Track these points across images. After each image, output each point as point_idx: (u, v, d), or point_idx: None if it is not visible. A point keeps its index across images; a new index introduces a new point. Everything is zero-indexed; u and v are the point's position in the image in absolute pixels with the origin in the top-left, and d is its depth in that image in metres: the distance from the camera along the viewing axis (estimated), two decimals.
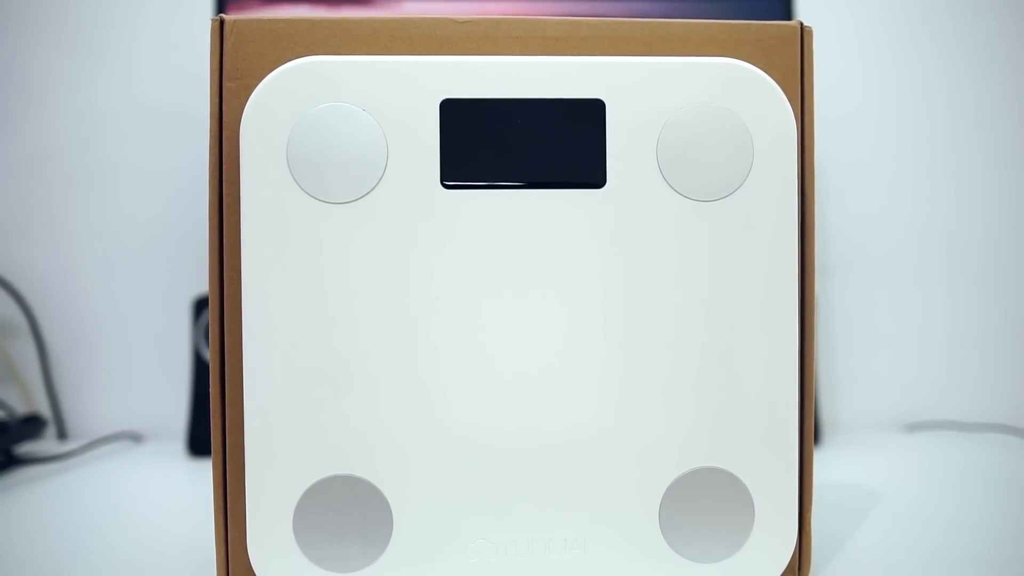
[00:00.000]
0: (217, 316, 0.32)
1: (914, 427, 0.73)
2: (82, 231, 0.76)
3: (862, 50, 0.77)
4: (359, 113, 0.31)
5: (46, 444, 0.70)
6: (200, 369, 0.68)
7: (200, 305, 0.69)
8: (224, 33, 0.32)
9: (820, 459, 0.59)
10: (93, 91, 0.76)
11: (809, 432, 0.33)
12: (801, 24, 0.34)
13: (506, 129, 0.31)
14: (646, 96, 0.31)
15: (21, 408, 0.74)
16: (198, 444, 0.66)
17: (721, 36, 0.33)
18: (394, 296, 0.31)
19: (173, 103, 0.75)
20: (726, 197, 0.32)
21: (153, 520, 0.47)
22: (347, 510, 0.31)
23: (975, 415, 0.73)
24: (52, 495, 0.53)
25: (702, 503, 0.32)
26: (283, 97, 0.31)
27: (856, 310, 0.77)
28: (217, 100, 0.32)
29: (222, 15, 0.33)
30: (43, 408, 0.75)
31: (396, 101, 0.31)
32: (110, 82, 0.76)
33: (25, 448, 0.66)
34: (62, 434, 0.75)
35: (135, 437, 0.73)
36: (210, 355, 0.33)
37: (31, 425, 0.64)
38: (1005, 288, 0.77)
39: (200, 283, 0.71)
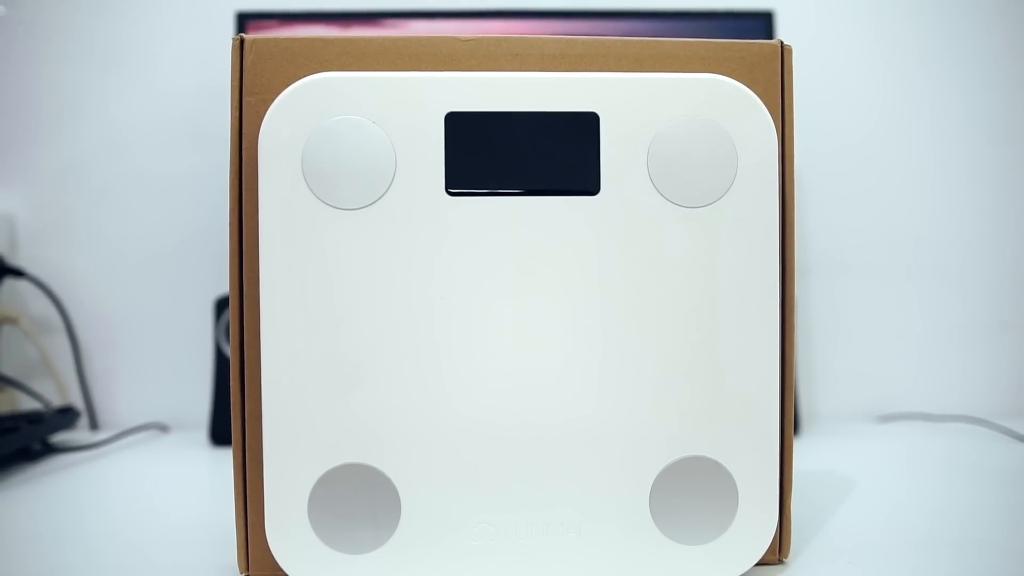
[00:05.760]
0: (237, 315, 0.32)
1: (887, 418, 0.73)
2: (112, 236, 0.76)
3: (838, 67, 0.77)
4: (369, 125, 0.31)
5: (79, 434, 0.70)
6: (221, 364, 0.68)
7: (221, 305, 0.69)
8: (244, 51, 0.32)
9: (799, 448, 0.59)
10: (123, 106, 0.76)
11: (789, 423, 0.33)
12: (781, 43, 0.34)
13: (506, 140, 0.31)
14: (637, 109, 0.31)
15: (56, 400, 0.74)
16: (220, 434, 0.66)
17: (707, 54, 0.33)
18: (401, 296, 0.31)
19: (196, 117, 0.75)
20: (712, 204, 0.32)
21: (178, 504, 0.47)
22: (358, 496, 0.31)
23: (944, 407, 0.73)
24: (85, 481, 0.53)
25: (689, 489, 0.32)
26: (298, 111, 0.31)
27: (833, 309, 0.77)
28: (237, 113, 0.32)
29: (242, 35, 0.33)
30: (76, 400, 0.75)
31: (404, 114, 0.31)
32: (138, 98, 0.76)
33: (60, 437, 0.66)
34: (94, 425, 0.74)
35: (162, 427, 0.73)
36: (230, 351, 0.32)
37: (65, 416, 0.64)
38: (972, 288, 0.77)
39: (221, 284, 0.71)
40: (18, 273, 0.73)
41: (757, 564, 0.32)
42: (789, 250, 0.33)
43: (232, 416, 0.32)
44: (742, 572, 0.32)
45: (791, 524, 0.34)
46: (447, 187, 0.31)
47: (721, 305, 0.32)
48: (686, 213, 0.31)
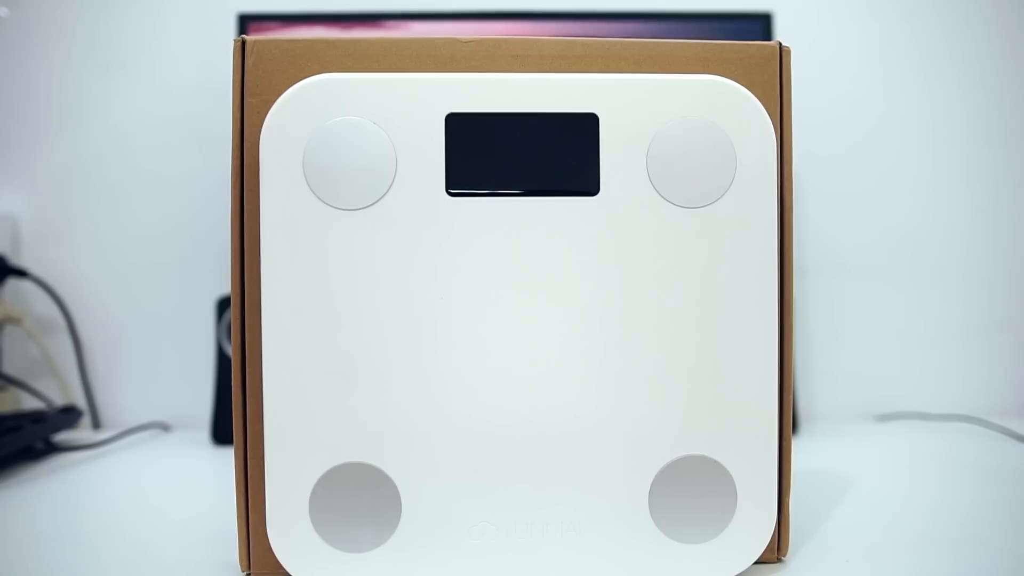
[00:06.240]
0: (239, 315, 0.32)
1: (884, 417, 0.73)
2: (115, 236, 0.76)
3: (836, 69, 0.77)
4: (370, 126, 0.31)
5: (82, 433, 0.70)
6: (223, 364, 0.68)
7: (223, 304, 0.69)
8: (245, 53, 0.32)
9: (797, 447, 0.59)
10: (125, 108, 0.76)
11: (788, 423, 0.33)
12: (780, 44, 0.34)
13: (506, 141, 0.31)
14: (637, 110, 0.31)
15: (59, 400, 0.74)
16: (222, 433, 0.66)
17: (706, 55, 0.33)
18: (402, 296, 0.31)
19: (198, 118, 0.75)
20: (711, 204, 0.31)
21: (180, 503, 0.47)
22: (359, 495, 0.31)
23: (940, 406, 0.73)
24: (87, 480, 0.53)
25: (689, 488, 0.32)
26: (300, 111, 0.31)
27: (830, 309, 0.77)
28: (239, 114, 0.32)
29: (244, 36, 0.33)
30: (79, 400, 0.75)
31: (404, 115, 0.31)
32: (140, 99, 0.76)
33: (63, 437, 0.66)
34: (96, 424, 0.74)
35: (164, 427, 0.73)
36: (232, 351, 0.32)
37: (68, 415, 0.64)
38: (969, 288, 0.77)
39: (223, 284, 0.71)
40: (21, 273, 0.73)
41: (756, 562, 0.32)
42: (787, 250, 0.33)
43: (234, 415, 0.32)
44: (741, 570, 0.32)
45: (789, 522, 0.34)
46: (447, 188, 0.31)
47: (720, 305, 0.32)
48: (685, 213, 0.31)
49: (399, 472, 0.31)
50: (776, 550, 0.34)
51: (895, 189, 0.77)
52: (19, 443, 0.55)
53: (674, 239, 0.31)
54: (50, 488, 0.51)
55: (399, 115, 0.31)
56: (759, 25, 0.70)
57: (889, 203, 0.77)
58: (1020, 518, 0.41)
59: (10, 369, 0.73)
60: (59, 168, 0.76)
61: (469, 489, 0.31)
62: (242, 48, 0.32)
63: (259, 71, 0.32)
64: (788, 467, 0.33)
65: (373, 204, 0.31)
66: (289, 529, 0.31)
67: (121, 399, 0.76)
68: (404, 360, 0.31)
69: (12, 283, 0.74)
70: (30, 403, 0.73)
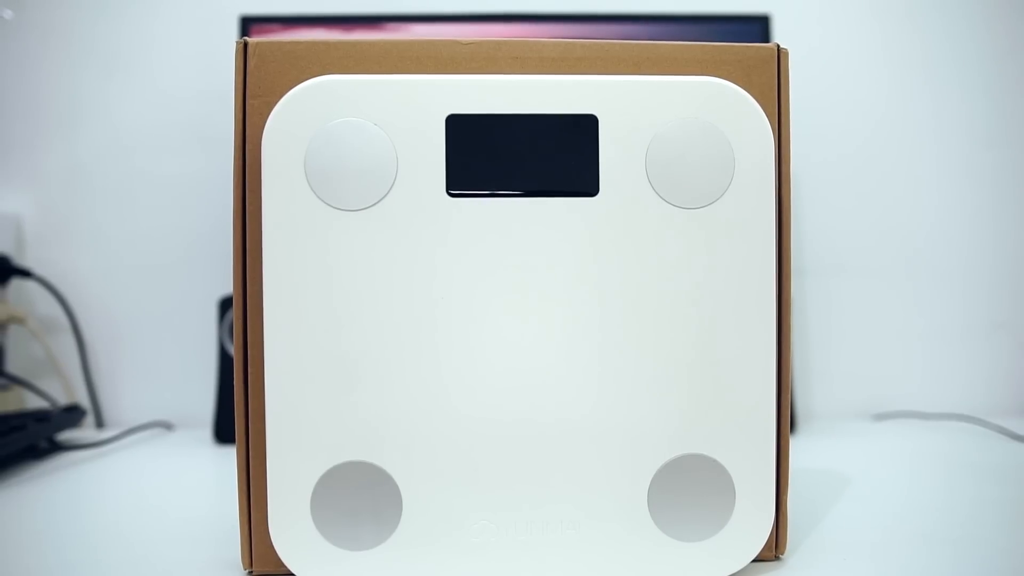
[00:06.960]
0: (240, 315, 0.32)
1: (881, 416, 0.73)
2: (118, 237, 0.76)
3: (834, 70, 0.77)
4: (371, 128, 0.31)
5: (85, 432, 0.70)
6: (225, 363, 0.68)
7: (225, 304, 0.69)
8: (248, 55, 0.32)
9: (795, 446, 0.59)
10: (127, 109, 0.76)
11: (786, 422, 0.33)
12: (778, 46, 0.34)
13: (506, 142, 0.31)
14: (636, 112, 0.31)
15: (62, 399, 0.74)
16: (224, 432, 0.66)
17: (705, 57, 0.33)
18: (402, 296, 0.31)
19: (200, 120, 0.75)
20: (709, 205, 0.32)
21: (182, 502, 0.47)
22: (360, 493, 0.31)
23: (937, 405, 0.73)
24: (90, 478, 0.53)
25: (687, 487, 0.32)
26: (301, 113, 0.31)
27: (828, 310, 0.77)
28: (241, 116, 0.32)
29: (246, 38, 0.33)
30: (82, 399, 0.75)
31: (405, 116, 0.31)
32: (143, 101, 0.76)
33: (66, 435, 0.66)
34: (100, 423, 0.74)
35: (166, 426, 0.73)
36: (234, 351, 0.32)
37: (71, 414, 0.64)
38: (965, 289, 0.77)
39: (225, 284, 0.71)
40: (25, 273, 0.73)
41: (754, 560, 0.33)
42: (785, 251, 0.33)
43: (236, 414, 0.32)
44: (739, 568, 0.32)
45: (787, 521, 0.34)
46: (448, 188, 0.31)
47: (718, 305, 0.32)
48: (684, 214, 0.31)
49: (400, 471, 0.31)
50: (774, 548, 0.34)
51: (894, 190, 0.77)
52: (23, 442, 0.55)
53: (673, 240, 0.31)
54: (53, 487, 0.51)
55: (400, 116, 0.31)
56: (757, 27, 0.70)
57: (888, 204, 0.77)
58: (1017, 517, 0.41)
59: (14, 369, 0.74)
60: (62, 169, 0.76)
61: (469, 487, 0.31)
62: (244, 50, 0.32)
63: (261, 73, 0.32)
64: (786, 466, 0.33)
65: (374, 205, 0.31)
66: (291, 527, 0.31)
67: (124, 398, 0.76)
68: (405, 359, 0.31)
69: (16, 283, 0.74)
70: (34, 402, 0.73)
